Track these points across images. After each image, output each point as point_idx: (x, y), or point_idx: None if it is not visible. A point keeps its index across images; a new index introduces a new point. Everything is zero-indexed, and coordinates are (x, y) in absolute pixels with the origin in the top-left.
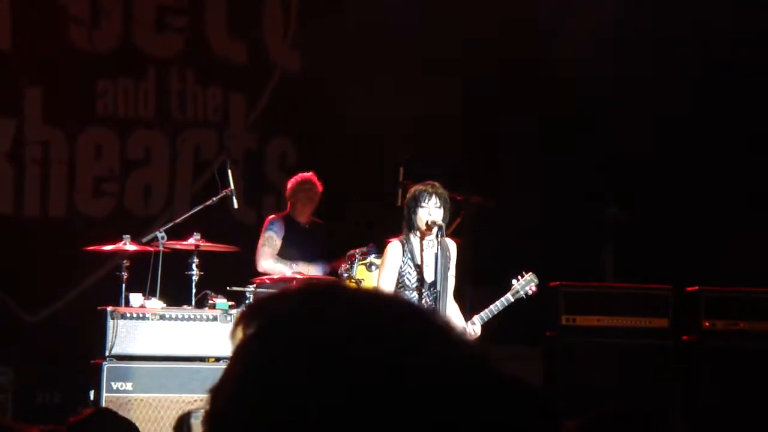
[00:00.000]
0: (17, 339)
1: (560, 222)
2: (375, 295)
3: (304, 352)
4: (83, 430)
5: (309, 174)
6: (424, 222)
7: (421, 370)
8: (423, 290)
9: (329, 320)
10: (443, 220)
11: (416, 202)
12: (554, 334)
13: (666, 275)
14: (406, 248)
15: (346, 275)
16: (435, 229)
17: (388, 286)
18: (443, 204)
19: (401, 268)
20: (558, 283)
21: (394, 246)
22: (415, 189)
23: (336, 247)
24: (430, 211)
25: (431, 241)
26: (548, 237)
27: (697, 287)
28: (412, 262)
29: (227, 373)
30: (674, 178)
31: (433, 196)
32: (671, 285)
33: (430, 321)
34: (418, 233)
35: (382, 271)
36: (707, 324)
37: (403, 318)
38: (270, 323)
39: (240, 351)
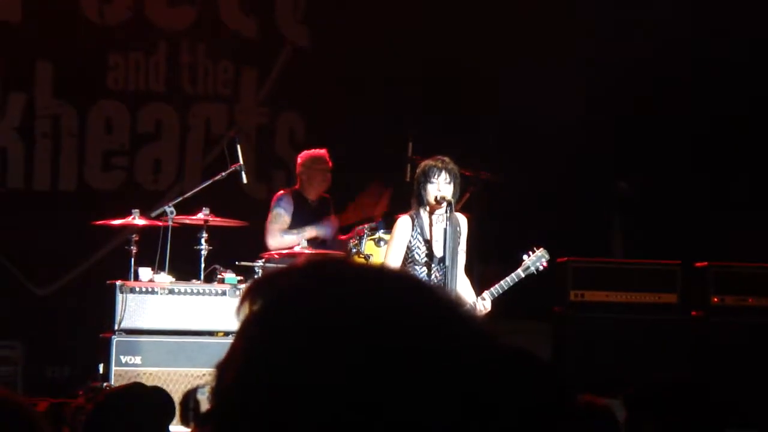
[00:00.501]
0: (27, 313)
1: (568, 197)
2: (382, 272)
3: (306, 333)
4: (119, 401)
5: (323, 151)
6: (434, 197)
7: (430, 351)
8: (432, 265)
9: (334, 299)
10: (453, 196)
11: (426, 177)
12: (563, 309)
13: (675, 250)
14: (415, 223)
15: (354, 250)
16: (444, 205)
17: (396, 260)
18: (453, 179)
19: (410, 242)
20: (566, 258)
21: (403, 221)
22: (425, 164)
23: (344, 222)
24: (440, 186)
25: (441, 216)
26: (556, 212)
27: (706, 263)
28: (422, 237)
29: (233, 349)
30: (684, 153)
31: (443, 172)
32: (680, 260)
33: (438, 299)
34: (427, 208)
35: (390, 246)
36: (716, 299)
37: (409, 298)
38: (274, 300)
39: (245, 327)
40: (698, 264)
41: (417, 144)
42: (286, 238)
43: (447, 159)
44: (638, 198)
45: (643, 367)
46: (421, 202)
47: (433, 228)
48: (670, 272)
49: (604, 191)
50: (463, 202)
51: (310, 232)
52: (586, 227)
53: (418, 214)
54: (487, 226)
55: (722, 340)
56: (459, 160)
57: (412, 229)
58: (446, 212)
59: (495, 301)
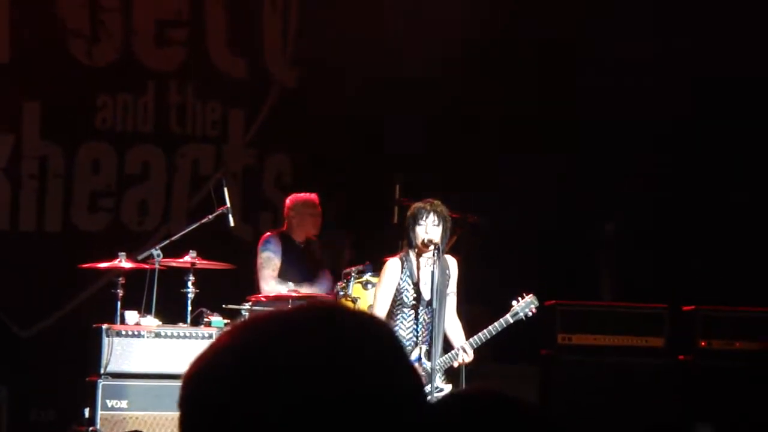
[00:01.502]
0: (10, 355)
1: (557, 240)
2: (352, 331)
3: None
4: None
5: (313, 196)
6: (422, 240)
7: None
8: (420, 308)
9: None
10: (442, 238)
11: (414, 219)
12: (550, 352)
13: (662, 294)
14: (405, 266)
15: (342, 293)
16: (432, 248)
17: (384, 303)
18: (441, 221)
19: (399, 285)
20: (554, 301)
21: (393, 263)
22: (414, 206)
23: (332, 264)
24: (428, 228)
25: (429, 259)
26: (544, 255)
27: (693, 306)
28: (411, 279)
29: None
30: (671, 195)
31: (431, 214)
32: (667, 304)
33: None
34: (416, 250)
35: (378, 288)
36: (703, 343)
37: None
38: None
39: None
40: (685, 308)
41: (405, 187)
42: (280, 288)
43: (436, 201)
44: (625, 240)
45: (631, 410)
46: (411, 244)
47: (421, 271)
48: (657, 316)
49: (591, 234)
50: (451, 244)
51: (307, 289)
52: (573, 270)
53: (407, 257)
54: (475, 268)
55: (710, 384)
56: (447, 202)
57: (402, 272)
58: (434, 255)
59: (483, 344)
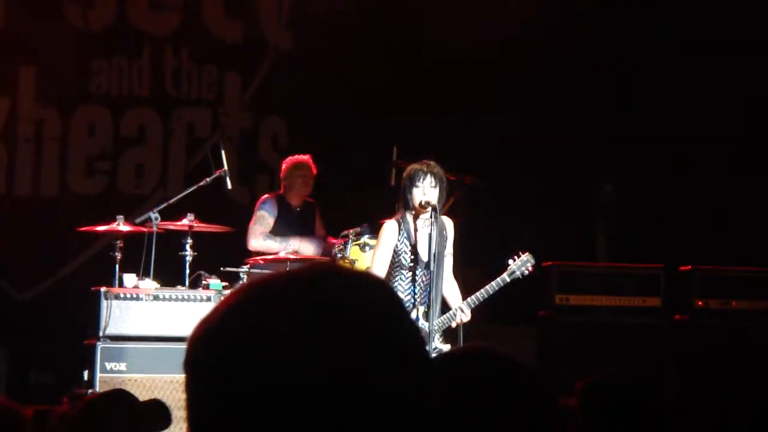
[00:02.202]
0: (9, 318)
1: (553, 201)
2: (354, 293)
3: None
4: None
5: (305, 157)
6: (419, 202)
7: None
8: (418, 270)
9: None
10: (438, 200)
11: (411, 181)
12: (548, 313)
13: (658, 254)
14: (402, 227)
15: (339, 255)
16: (429, 210)
17: (382, 265)
18: (438, 183)
19: (397, 247)
20: (551, 262)
21: (390, 225)
22: (410, 168)
23: (330, 227)
24: (425, 190)
25: (426, 221)
26: (541, 217)
27: (689, 266)
28: (408, 241)
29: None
30: (667, 155)
31: (428, 176)
32: (663, 264)
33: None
34: (413, 212)
35: (376, 250)
36: (700, 303)
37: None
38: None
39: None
40: (682, 268)
41: (402, 148)
42: (268, 242)
43: (432, 162)
44: (622, 201)
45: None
46: (407, 206)
47: (418, 232)
48: (654, 276)
49: (588, 195)
50: (447, 206)
51: (294, 244)
52: (570, 231)
53: (404, 219)
54: (472, 230)
55: (706, 344)
56: (443, 163)
57: (399, 234)
58: (431, 217)
59: (480, 305)
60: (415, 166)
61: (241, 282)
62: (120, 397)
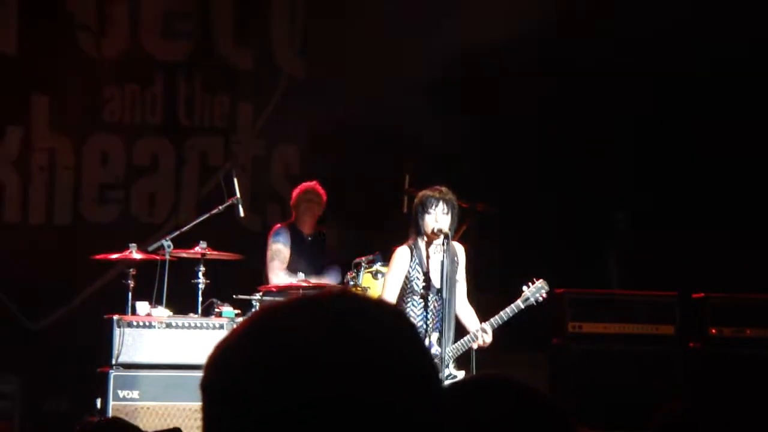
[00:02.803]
0: (24, 347)
1: (567, 228)
2: (366, 316)
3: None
4: None
5: (312, 183)
6: (431, 228)
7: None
8: (430, 296)
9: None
10: (450, 227)
11: (423, 207)
12: (560, 341)
13: (672, 282)
14: (414, 254)
15: (352, 283)
16: (441, 237)
17: (393, 291)
18: (450, 210)
19: (409, 273)
20: (564, 290)
21: (402, 251)
22: (422, 194)
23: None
24: (437, 217)
25: (438, 248)
26: (554, 244)
27: (703, 294)
28: (420, 267)
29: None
30: (681, 183)
31: (441, 202)
32: (677, 291)
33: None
34: (425, 239)
35: (388, 276)
36: (713, 331)
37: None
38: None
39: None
40: (695, 295)
41: (414, 177)
42: (289, 279)
43: (444, 189)
44: (635, 229)
45: (640, 398)
46: (419, 232)
47: (430, 259)
48: (668, 303)
49: (602, 222)
50: (460, 233)
51: (315, 281)
52: (583, 258)
53: (416, 245)
54: (484, 257)
55: (720, 372)
56: (455, 191)
57: (411, 260)
58: (443, 244)
59: (493, 332)
60: (428, 192)
61: (253, 309)
62: (116, 424)
